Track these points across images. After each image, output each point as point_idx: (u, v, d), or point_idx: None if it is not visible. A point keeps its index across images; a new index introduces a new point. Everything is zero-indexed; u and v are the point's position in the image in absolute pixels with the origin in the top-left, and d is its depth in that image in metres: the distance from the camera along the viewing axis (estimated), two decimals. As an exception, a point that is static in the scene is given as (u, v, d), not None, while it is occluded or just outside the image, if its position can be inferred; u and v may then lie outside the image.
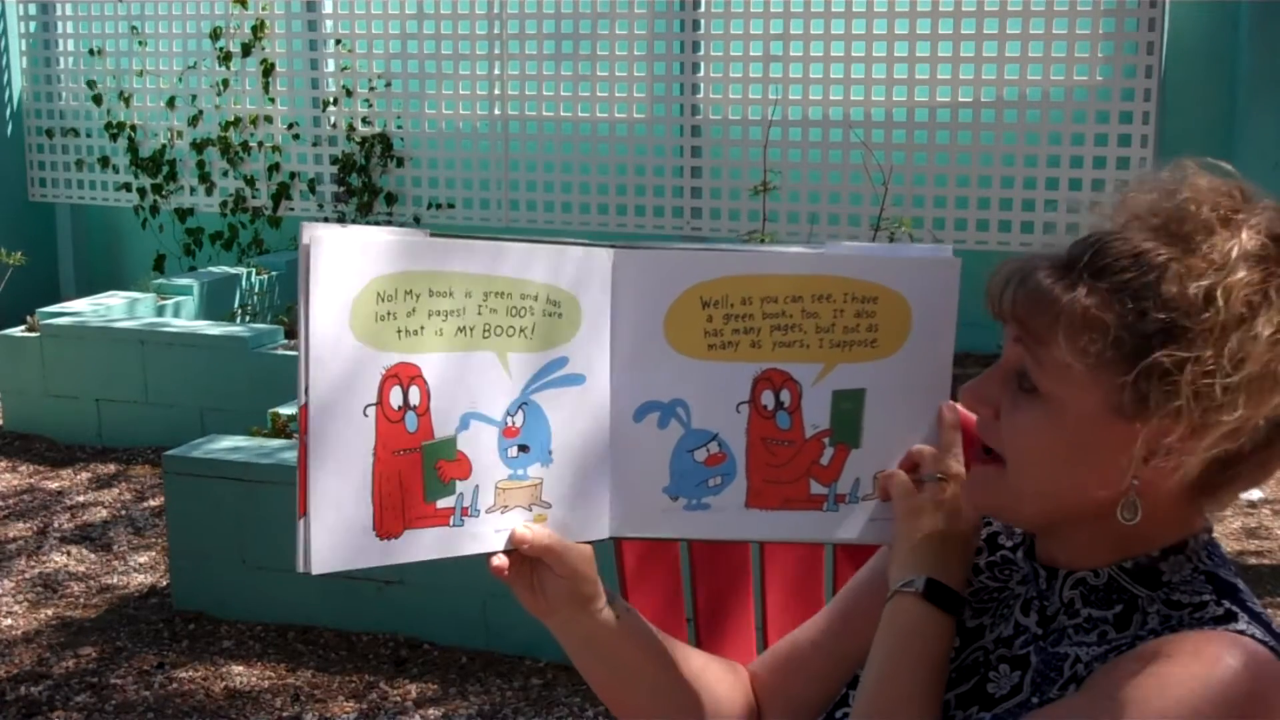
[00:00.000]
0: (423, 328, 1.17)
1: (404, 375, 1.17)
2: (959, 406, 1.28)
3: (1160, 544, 1.16)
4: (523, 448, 1.24)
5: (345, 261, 1.13)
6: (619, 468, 1.28)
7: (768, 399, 1.29)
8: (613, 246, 1.27)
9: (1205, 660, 1.06)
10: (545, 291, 1.23)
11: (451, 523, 1.20)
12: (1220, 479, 1.12)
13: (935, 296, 1.29)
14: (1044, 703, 1.15)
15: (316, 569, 1.14)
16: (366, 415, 1.15)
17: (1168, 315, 1.07)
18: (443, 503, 1.20)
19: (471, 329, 1.20)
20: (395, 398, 1.16)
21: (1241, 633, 1.09)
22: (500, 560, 1.23)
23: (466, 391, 1.20)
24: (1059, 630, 1.19)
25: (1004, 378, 1.17)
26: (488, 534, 1.23)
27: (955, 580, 1.24)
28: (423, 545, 1.19)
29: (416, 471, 1.18)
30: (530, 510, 1.25)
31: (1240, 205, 1.12)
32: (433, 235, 1.18)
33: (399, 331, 1.16)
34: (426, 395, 1.18)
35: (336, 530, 1.15)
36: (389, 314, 1.15)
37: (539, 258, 1.23)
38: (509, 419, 1.23)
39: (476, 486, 1.21)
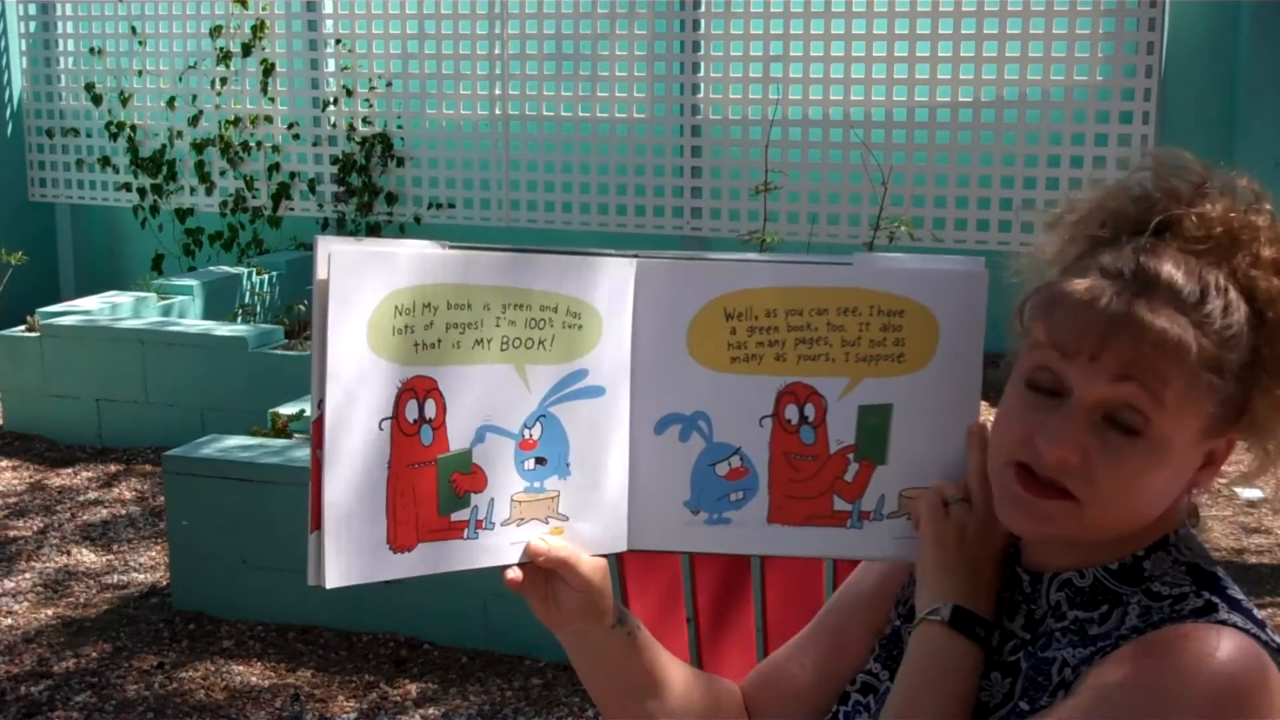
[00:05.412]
0: (440, 341, 1.17)
1: (420, 388, 1.16)
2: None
3: (1147, 543, 1.17)
4: (540, 460, 1.23)
5: (362, 276, 1.13)
6: (639, 480, 1.27)
7: (791, 413, 1.28)
8: (636, 256, 1.25)
9: (1189, 655, 1.07)
10: (565, 303, 1.22)
11: (465, 535, 1.20)
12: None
13: (963, 310, 1.27)
14: (1034, 710, 1.14)
15: (330, 583, 1.14)
16: (382, 429, 1.15)
17: (1253, 338, 1.10)
18: (457, 516, 1.20)
19: (489, 341, 1.19)
20: (411, 411, 1.16)
21: (1223, 623, 1.10)
22: (515, 573, 1.23)
23: (483, 404, 1.20)
24: (1047, 634, 1.19)
25: (1089, 419, 1.11)
26: (503, 547, 1.22)
27: (983, 607, 1.22)
28: (437, 558, 1.19)
29: (431, 485, 1.18)
30: (547, 523, 1.24)
31: (1243, 201, 1.14)
32: (451, 248, 1.17)
33: (416, 345, 1.16)
34: (442, 408, 1.17)
35: (350, 544, 1.14)
36: (406, 327, 1.15)
37: (559, 268, 1.22)
38: (526, 431, 1.22)
39: (492, 499, 1.21)
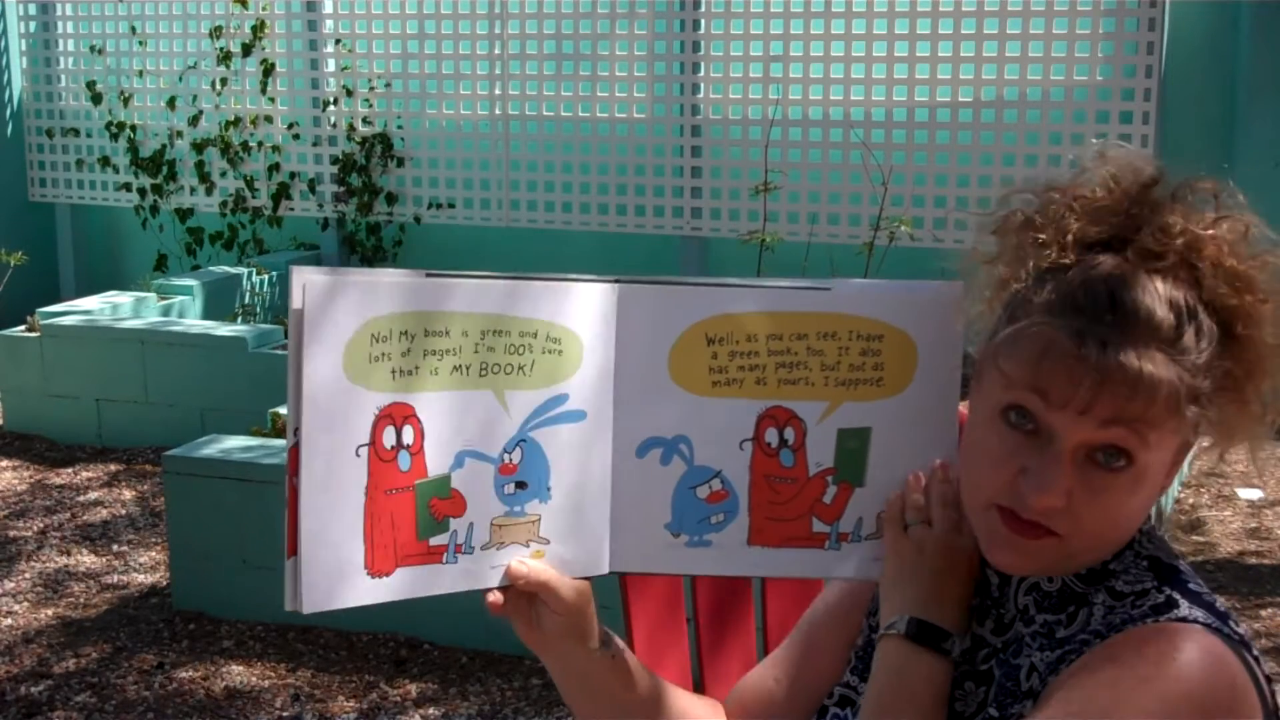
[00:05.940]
0: (418, 368, 1.18)
1: (397, 415, 1.17)
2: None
3: (1117, 549, 1.17)
4: (520, 484, 1.24)
5: (337, 306, 1.14)
6: (620, 503, 1.28)
7: (772, 436, 1.29)
8: (617, 281, 1.26)
9: (1150, 658, 1.07)
10: (545, 328, 1.23)
11: (445, 560, 1.21)
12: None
13: (941, 334, 1.28)
14: (1004, 717, 1.15)
15: (307, 609, 1.15)
16: (359, 456, 1.16)
17: (1222, 351, 1.09)
18: (435, 540, 1.20)
19: (468, 368, 1.20)
20: (388, 437, 1.17)
21: (1184, 619, 1.10)
22: (495, 596, 1.23)
23: (462, 430, 1.21)
24: (1017, 640, 1.19)
25: (1073, 460, 1.10)
26: (483, 570, 1.23)
27: (948, 619, 1.21)
28: (416, 583, 1.20)
29: (409, 510, 1.19)
30: (528, 546, 1.25)
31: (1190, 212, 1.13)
32: (429, 275, 1.18)
33: (393, 372, 1.17)
34: (420, 434, 1.18)
35: (327, 571, 1.16)
36: (383, 355, 1.16)
37: (539, 295, 1.23)
38: (506, 456, 1.23)
39: (471, 524, 1.22)
